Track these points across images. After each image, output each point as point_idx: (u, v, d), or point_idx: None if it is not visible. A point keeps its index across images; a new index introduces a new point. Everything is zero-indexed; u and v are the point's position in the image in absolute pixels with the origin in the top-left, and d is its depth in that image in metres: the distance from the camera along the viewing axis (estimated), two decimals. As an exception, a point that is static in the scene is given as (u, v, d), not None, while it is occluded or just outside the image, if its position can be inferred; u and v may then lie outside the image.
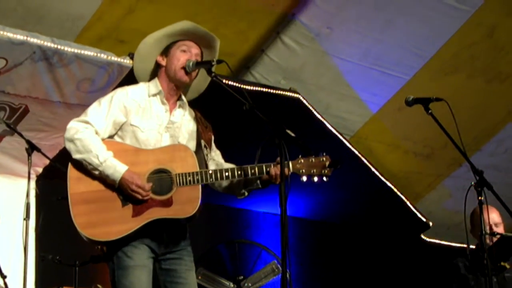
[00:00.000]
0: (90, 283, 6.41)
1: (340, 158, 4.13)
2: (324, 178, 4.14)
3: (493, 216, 5.66)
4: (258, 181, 4.17)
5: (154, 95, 4.18)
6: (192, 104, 4.36)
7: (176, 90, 4.22)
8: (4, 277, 5.64)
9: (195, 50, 4.22)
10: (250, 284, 7.69)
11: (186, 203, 4.00)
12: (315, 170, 4.12)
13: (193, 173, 4.01)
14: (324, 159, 4.14)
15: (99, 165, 3.94)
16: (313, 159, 4.12)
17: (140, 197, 3.95)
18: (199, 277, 7.31)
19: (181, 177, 4.00)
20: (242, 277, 7.70)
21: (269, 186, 4.16)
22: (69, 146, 4.00)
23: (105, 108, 4.09)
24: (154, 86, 4.20)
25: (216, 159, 4.33)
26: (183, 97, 4.27)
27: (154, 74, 4.28)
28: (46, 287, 6.49)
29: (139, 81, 4.31)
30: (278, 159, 3.98)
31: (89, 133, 4.00)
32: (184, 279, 4.09)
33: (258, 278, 7.75)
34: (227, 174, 4.07)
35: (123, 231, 3.94)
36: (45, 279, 6.77)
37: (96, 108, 4.10)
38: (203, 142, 4.20)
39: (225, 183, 4.27)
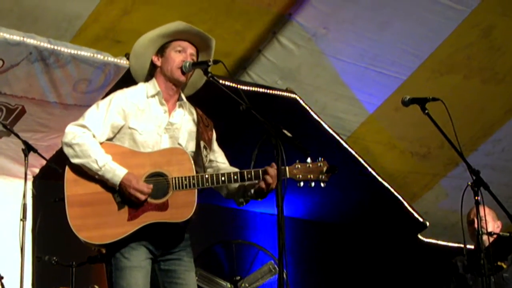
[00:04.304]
0: (87, 284, 6.40)
1: (336, 158, 4.11)
2: (322, 184, 4.08)
3: (486, 212, 5.69)
4: (252, 191, 4.13)
5: (153, 96, 4.17)
6: (190, 104, 4.35)
7: (174, 89, 4.21)
8: (1, 278, 5.65)
9: (190, 50, 4.22)
10: (247, 285, 7.69)
11: (182, 207, 3.99)
12: (312, 176, 4.07)
13: (189, 177, 4.00)
14: (322, 164, 4.09)
15: (99, 169, 3.94)
16: (311, 165, 4.08)
17: (141, 199, 3.94)
18: (196, 278, 7.29)
19: (177, 181, 3.99)
20: (239, 277, 7.70)
21: (265, 197, 4.11)
22: (68, 150, 4.00)
23: (103, 112, 4.07)
24: (152, 86, 4.19)
25: (216, 160, 4.31)
26: (183, 96, 4.27)
27: (150, 73, 4.28)
28: (43, 288, 6.48)
29: (136, 81, 4.30)
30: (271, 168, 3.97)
31: (87, 138, 3.99)
32: (183, 279, 4.10)
33: (255, 278, 7.75)
34: (223, 178, 4.05)
35: (118, 234, 3.94)
36: (42, 280, 6.75)
37: (94, 112, 4.09)
38: (202, 143, 4.19)
39: (225, 190, 4.26)
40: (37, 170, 7.05)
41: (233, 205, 4.33)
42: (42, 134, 6.60)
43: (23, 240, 5.16)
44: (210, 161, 4.29)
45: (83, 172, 3.98)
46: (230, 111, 4.45)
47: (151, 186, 3.97)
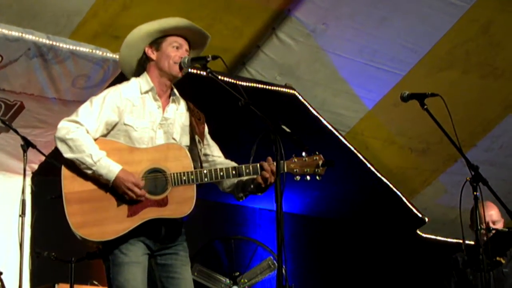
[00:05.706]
0: (86, 279, 6.41)
1: (335, 154, 4.12)
2: (317, 177, 4.14)
3: (492, 213, 5.66)
4: (252, 185, 4.15)
5: (146, 92, 4.15)
6: (188, 100, 4.34)
7: (168, 84, 4.19)
8: None
9: (186, 46, 4.21)
10: (246, 280, 7.69)
11: (181, 202, 3.99)
12: (308, 170, 4.12)
13: (188, 172, 4.00)
14: (317, 158, 4.13)
15: (93, 164, 3.91)
16: (307, 159, 4.12)
17: (134, 196, 3.93)
18: (195, 273, 7.31)
19: (176, 177, 3.99)
20: (238, 273, 7.69)
21: (265, 191, 4.13)
22: (61, 146, 3.96)
23: (97, 108, 4.04)
24: (145, 82, 4.17)
25: (211, 154, 4.31)
26: (175, 91, 4.25)
27: (142, 64, 4.23)
28: (41, 284, 6.47)
29: (123, 71, 4.27)
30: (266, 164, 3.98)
31: (81, 133, 3.96)
32: (179, 274, 4.09)
33: (254, 274, 7.75)
34: (221, 174, 4.06)
35: (118, 231, 3.93)
36: (41, 275, 6.75)
37: (87, 108, 4.06)
38: (196, 137, 4.19)
39: (224, 184, 4.27)
40: (36, 166, 7.05)
41: (231, 201, 4.33)
42: (41, 130, 6.60)
43: (22, 236, 5.15)
44: (206, 155, 4.29)
45: (79, 169, 3.95)
46: (229, 106, 4.43)
47: (143, 182, 3.95)
